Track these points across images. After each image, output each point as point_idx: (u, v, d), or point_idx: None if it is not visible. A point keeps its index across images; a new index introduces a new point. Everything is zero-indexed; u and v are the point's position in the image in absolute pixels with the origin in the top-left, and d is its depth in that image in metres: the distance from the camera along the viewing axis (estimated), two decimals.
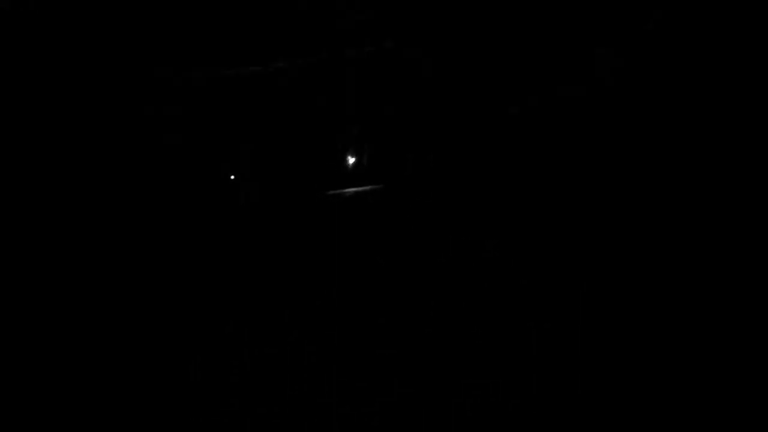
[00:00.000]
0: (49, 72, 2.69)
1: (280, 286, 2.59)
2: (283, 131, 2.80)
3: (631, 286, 2.38)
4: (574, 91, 2.62)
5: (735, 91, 2.46)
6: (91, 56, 2.71)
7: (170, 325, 2.52)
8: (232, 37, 2.75)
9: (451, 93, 2.72)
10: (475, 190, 2.65)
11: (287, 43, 2.75)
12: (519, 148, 2.66)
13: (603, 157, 2.57)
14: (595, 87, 2.60)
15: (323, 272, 2.59)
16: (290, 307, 2.54)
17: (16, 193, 2.62)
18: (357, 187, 2.72)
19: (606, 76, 2.60)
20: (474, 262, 2.52)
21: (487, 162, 2.68)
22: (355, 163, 2.74)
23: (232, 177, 2.71)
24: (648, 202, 2.48)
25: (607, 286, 2.39)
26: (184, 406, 2.36)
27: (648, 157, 2.52)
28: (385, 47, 2.73)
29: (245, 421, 2.32)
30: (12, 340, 2.44)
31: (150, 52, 2.73)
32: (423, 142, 2.74)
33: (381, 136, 2.76)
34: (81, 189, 2.67)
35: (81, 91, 2.71)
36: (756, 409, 2.09)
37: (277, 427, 2.30)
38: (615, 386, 2.22)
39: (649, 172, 2.51)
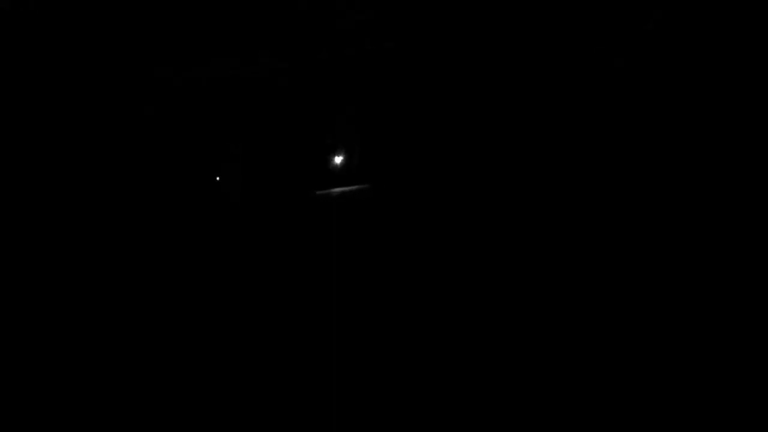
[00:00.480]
0: (49, 72, 2.69)
1: (269, 283, 2.60)
2: (282, 131, 2.80)
3: (631, 284, 2.38)
4: (574, 91, 2.62)
5: (734, 90, 2.46)
6: (91, 56, 2.71)
7: (165, 321, 2.52)
8: (232, 38, 2.76)
9: (450, 93, 2.72)
10: (472, 191, 2.65)
11: (287, 43, 2.75)
12: (518, 149, 2.66)
13: (603, 156, 2.57)
14: (595, 86, 2.61)
15: (314, 271, 2.59)
16: (277, 304, 2.54)
17: (16, 191, 2.62)
18: (349, 186, 2.72)
19: (607, 74, 2.60)
20: (465, 262, 2.52)
21: (484, 162, 2.67)
22: (344, 162, 2.74)
23: (218, 179, 2.72)
24: (648, 200, 2.48)
25: (605, 286, 2.39)
26: (176, 404, 2.36)
27: (648, 156, 2.52)
28: (385, 47, 2.73)
29: (234, 421, 2.32)
30: (6, 339, 2.44)
31: (150, 52, 2.74)
32: (420, 142, 2.73)
33: (377, 136, 2.76)
34: (81, 188, 2.67)
35: (81, 91, 2.71)
36: (755, 408, 2.09)
37: (266, 427, 2.30)
38: (614, 386, 2.22)
39: (649, 170, 2.51)
